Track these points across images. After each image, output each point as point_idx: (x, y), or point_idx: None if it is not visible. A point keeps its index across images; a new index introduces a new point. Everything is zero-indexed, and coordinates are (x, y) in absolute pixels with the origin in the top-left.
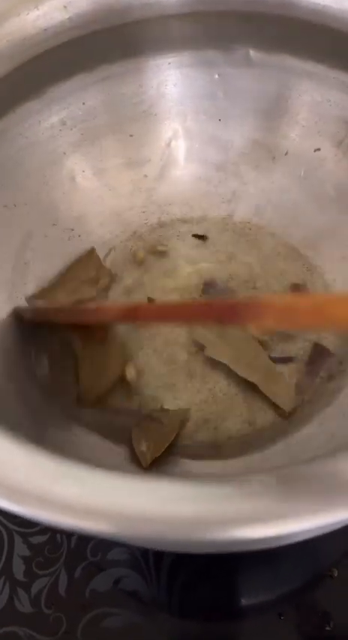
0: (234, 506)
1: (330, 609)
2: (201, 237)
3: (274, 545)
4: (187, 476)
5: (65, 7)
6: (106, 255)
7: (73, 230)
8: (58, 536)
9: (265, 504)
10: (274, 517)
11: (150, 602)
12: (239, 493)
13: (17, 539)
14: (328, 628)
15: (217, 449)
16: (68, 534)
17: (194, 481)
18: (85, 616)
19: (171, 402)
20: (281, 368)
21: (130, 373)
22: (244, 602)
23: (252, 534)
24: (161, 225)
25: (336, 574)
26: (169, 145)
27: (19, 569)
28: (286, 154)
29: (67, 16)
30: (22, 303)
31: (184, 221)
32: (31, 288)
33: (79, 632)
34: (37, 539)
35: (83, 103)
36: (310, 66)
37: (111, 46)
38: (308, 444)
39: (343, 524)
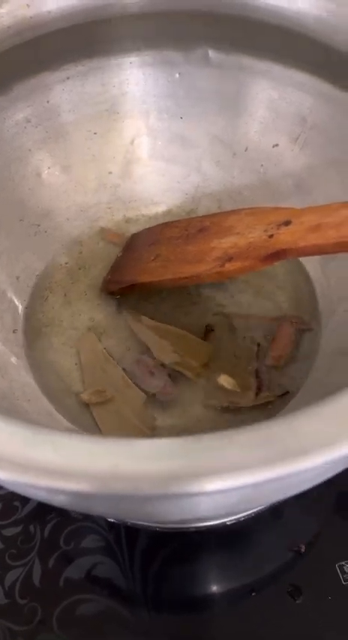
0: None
1: (299, 584)
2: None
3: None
4: None
5: (28, 5)
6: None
7: (39, 226)
8: (31, 527)
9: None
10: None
11: (124, 587)
12: (208, 446)
13: None
14: (298, 601)
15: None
16: (42, 525)
17: (163, 439)
18: (60, 604)
19: None
20: None
21: None
22: (216, 579)
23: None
24: (127, 220)
25: (303, 549)
26: (132, 142)
27: None
28: (246, 150)
29: (29, 15)
30: None
31: (149, 217)
32: None
33: (54, 621)
34: (9, 532)
35: (47, 101)
36: (266, 65)
37: (74, 44)
38: None
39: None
